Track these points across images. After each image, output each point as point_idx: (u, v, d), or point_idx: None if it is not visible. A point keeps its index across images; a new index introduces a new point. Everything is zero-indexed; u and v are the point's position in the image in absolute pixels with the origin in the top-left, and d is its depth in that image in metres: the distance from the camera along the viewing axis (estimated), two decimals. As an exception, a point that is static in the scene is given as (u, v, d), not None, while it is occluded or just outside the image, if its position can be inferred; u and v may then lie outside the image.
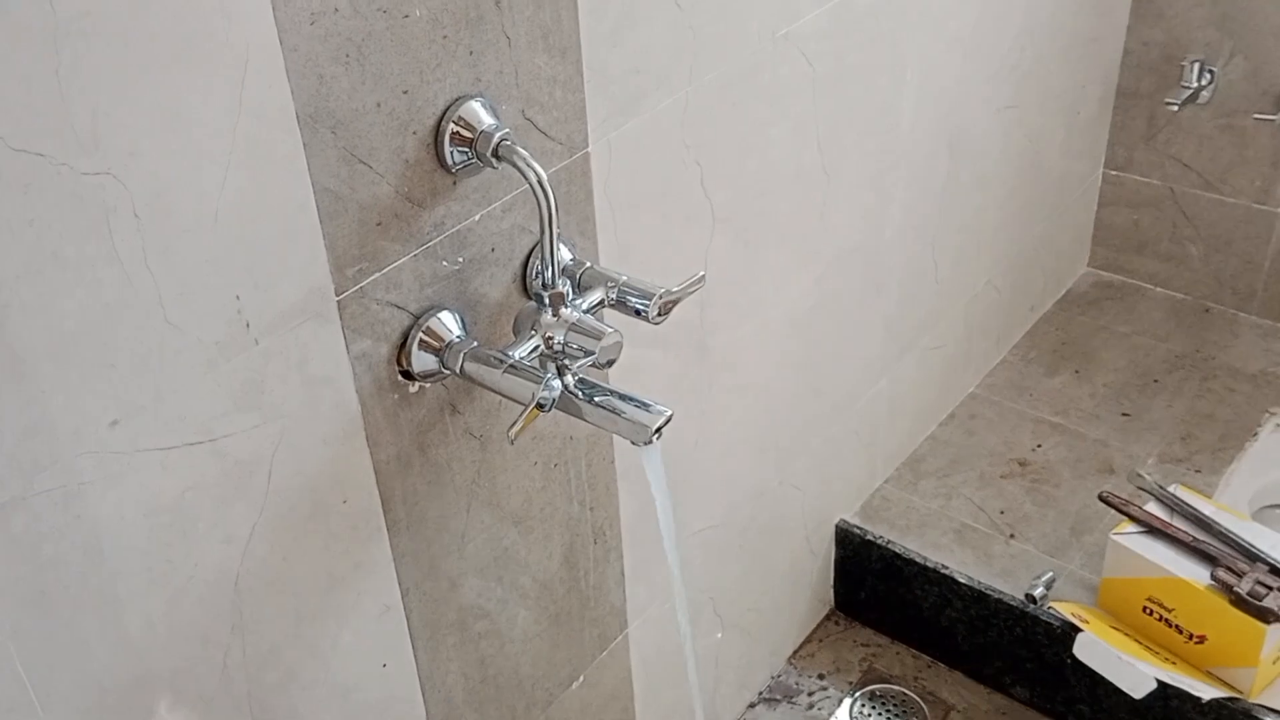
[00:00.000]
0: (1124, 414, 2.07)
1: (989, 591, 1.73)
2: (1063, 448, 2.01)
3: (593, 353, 1.00)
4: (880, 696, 1.81)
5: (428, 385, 1.03)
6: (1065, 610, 1.64)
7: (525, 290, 1.10)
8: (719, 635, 1.66)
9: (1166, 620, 1.58)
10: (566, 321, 1.01)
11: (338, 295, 0.93)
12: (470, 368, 0.99)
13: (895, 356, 1.85)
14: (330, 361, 0.94)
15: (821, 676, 1.84)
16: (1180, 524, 1.62)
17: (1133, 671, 1.54)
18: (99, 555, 0.83)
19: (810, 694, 1.82)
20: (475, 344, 1.01)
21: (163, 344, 0.82)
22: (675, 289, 1.07)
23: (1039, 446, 2.01)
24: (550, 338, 1.01)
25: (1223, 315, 2.30)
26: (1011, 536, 1.84)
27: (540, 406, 0.96)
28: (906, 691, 1.81)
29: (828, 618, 1.94)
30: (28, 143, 0.71)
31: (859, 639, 1.90)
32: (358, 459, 1.00)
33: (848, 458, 1.83)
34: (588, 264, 1.10)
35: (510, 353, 0.99)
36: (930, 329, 1.92)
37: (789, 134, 1.40)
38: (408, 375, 1.01)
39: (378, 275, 0.96)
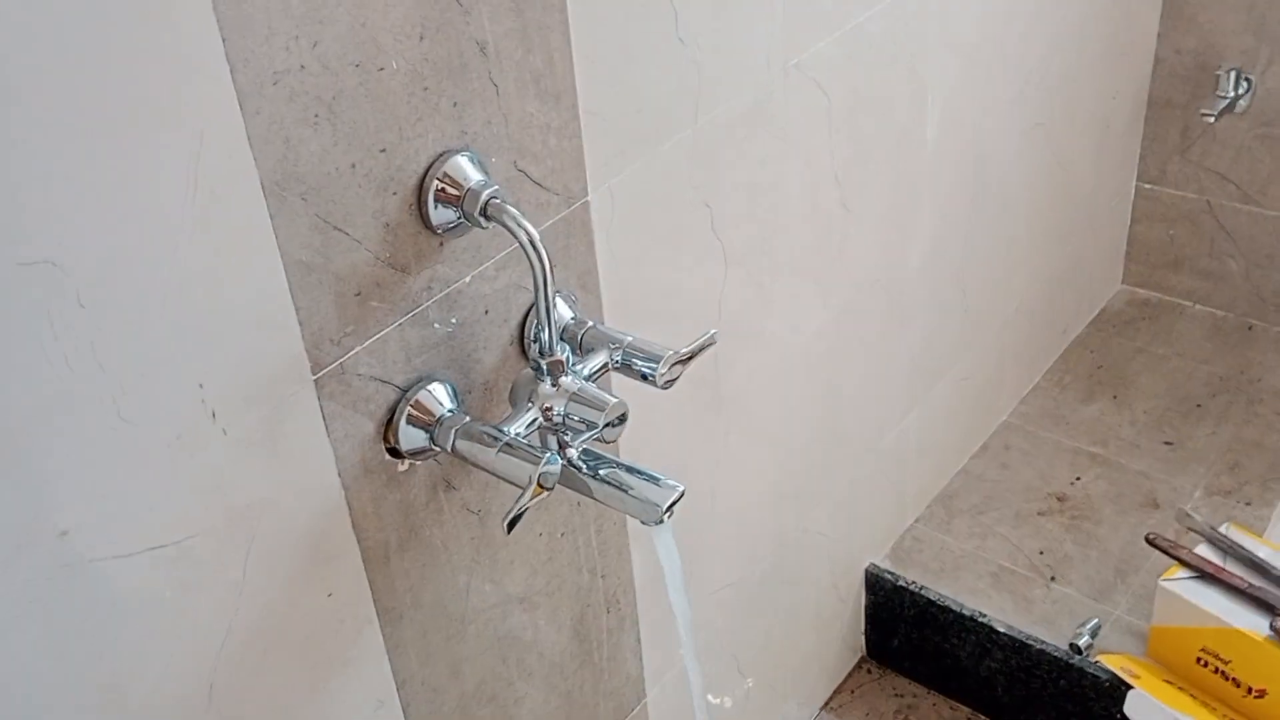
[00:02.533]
0: (1166, 443, 1.97)
1: (1030, 641, 1.63)
2: (1103, 480, 1.91)
3: (595, 425, 0.91)
4: (917, 751, 1.71)
5: (418, 463, 0.95)
6: (1113, 663, 1.54)
7: (524, 350, 1.02)
8: (749, 683, 1.57)
9: (1223, 673, 1.48)
10: (566, 391, 0.93)
11: (314, 374, 0.85)
12: (463, 446, 0.91)
13: (922, 391, 1.75)
14: (309, 446, 0.86)
15: (854, 731, 1.75)
16: (1234, 568, 1.52)
17: (1188, 730, 1.44)
18: (47, 673, 0.75)
19: (843, 750, 1.72)
20: (467, 419, 0.93)
21: (117, 442, 0.74)
22: (684, 350, 0.98)
23: (1078, 479, 1.92)
24: (549, 409, 0.93)
25: (1266, 333, 2.20)
26: (1052, 579, 1.74)
27: (543, 486, 0.88)
28: (945, 745, 1.71)
29: (859, 666, 1.85)
30: (-53, 234, 0.63)
31: (893, 688, 1.81)
32: (343, 548, 0.92)
33: (875, 498, 1.74)
34: (590, 324, 1.02)
35: (506, 429, 0.90)
36: (959, 360, 1.83)
37: (804, 168, 1.32)
38: (396, 453, 0.93)
39: (359, 349, 0.88)
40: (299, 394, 0.84)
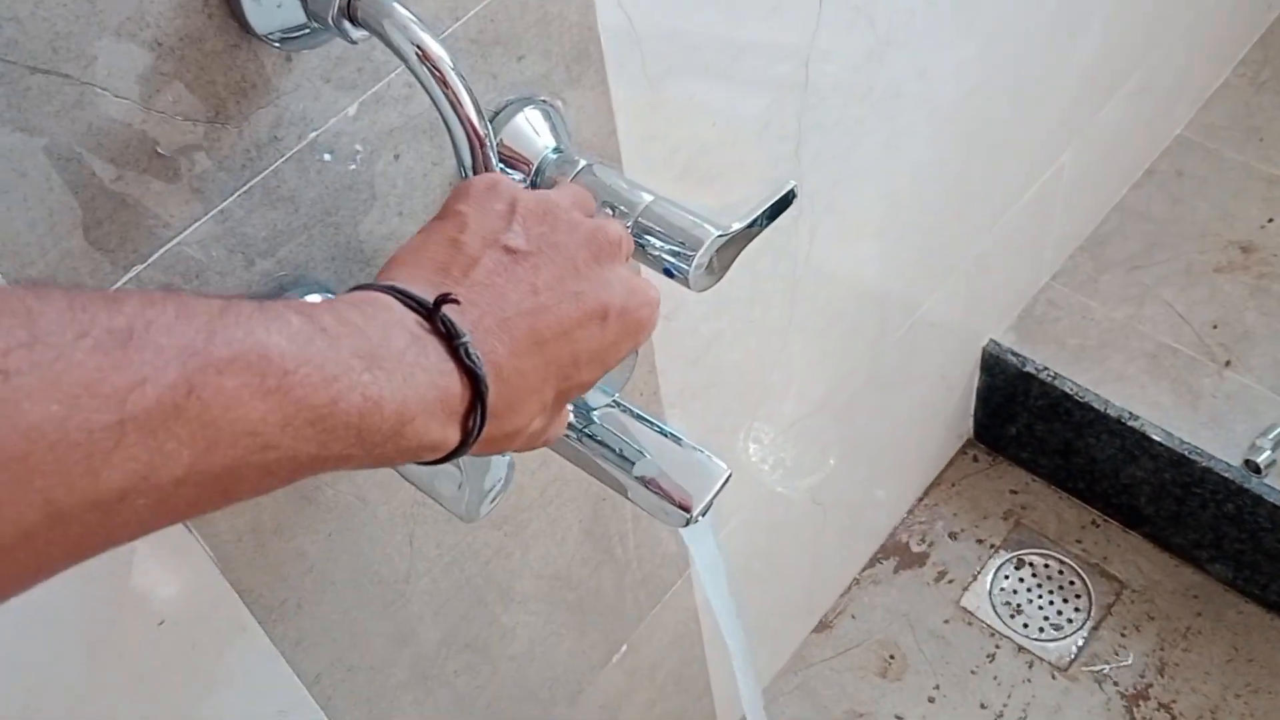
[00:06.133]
0: (1394, 168, 1.50)
1: (1194, 456, 1.27)
2: (1305, 223, 1.47)
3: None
4: (1030, 564, 1.40)
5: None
6: (1308, 504, 1.18)
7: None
8: (831, 462, 1.24)
9: None
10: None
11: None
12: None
13: (1087, 117, 1.29)
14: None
15: (954, 536, 1.44)
16: None
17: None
18: None
19: (939, 559, 1.42)
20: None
21: None
22: (739, 222, 0.57)
23: (1270, 221, 1.47)
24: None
25: None
26: (1227, 364, 1.35)
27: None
28: (1065, 560, 1.40)
29: (964, 451, 1.51)
30: None
31: (1004, 481, 1.48)
32: (178, 559, 0.57)
33: (1005, 262, 1.33)
34: (582, 164, 0.60)
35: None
36: (1138, 66, 1.35)
37: None
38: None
39: (140, 270, 0.48)
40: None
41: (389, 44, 0.46)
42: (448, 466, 0.50)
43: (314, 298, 0.55)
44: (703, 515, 0.56)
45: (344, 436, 0.33)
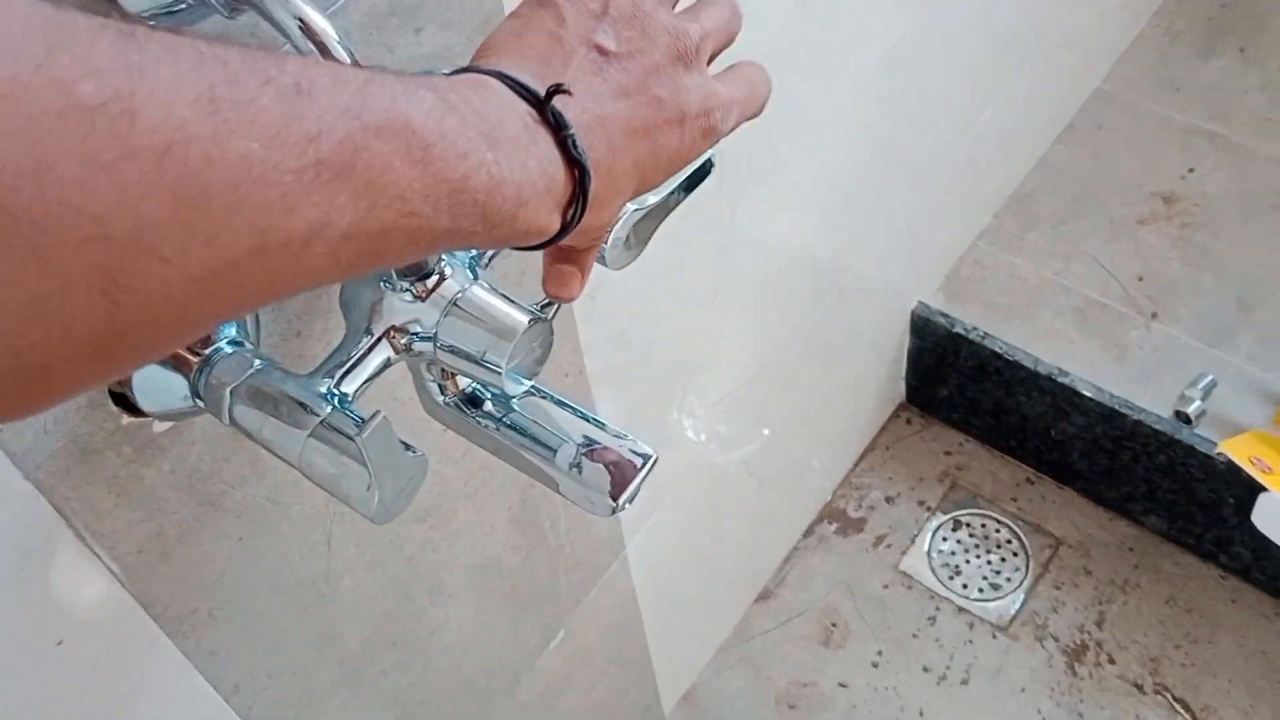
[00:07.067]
0: (1309, 115, 1.52)
1: (1124, 410, 1.27)
2: (1223, 172, 1.47)
3: (494, 367, 0.49)
4: (966, 525, 1.40)
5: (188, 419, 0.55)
6: (1239, 453, 1.19)
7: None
8: (765, 432, 1.22)
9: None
10: (440, 299, 0.50)
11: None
12: (245, 416, 0.50)
13: (1007, 73, 1.28)
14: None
15: (890, 500, 1.43)
16: None
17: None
18: None
19: (877, 524, 1.41)
20: (257, 364, 0.51)
21: None
22: (654, 195, 0.54)
23: (1191, 171, 1.48)
24: (405, 334, 0.51)
25: None
26: (1154, 316, 1.36)
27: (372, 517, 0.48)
28: (1001, 519, 1.40)
29: (897, 414, 1.50)
30: None
31: (939, 443, 1.47)
32: (72, 574, 0.54)
33: (930, 224, 1.32)
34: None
35: (327, 388, 0.49)
36: (1059, 21, 1.34)
37: None
38: (139, 412, 0.52)
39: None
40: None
41: (268, 18, 0.42)
42: (355, 467, 0.47)
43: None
44: (629, 503, 0.53)
45: (471, 213, 0.34)
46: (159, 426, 0.54)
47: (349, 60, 0.44)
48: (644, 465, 0.53)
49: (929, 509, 1.42)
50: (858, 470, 1.46)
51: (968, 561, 1.37)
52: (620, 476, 0.53)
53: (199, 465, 0.57)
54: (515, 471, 0.78)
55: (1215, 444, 1.22)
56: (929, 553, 1.38)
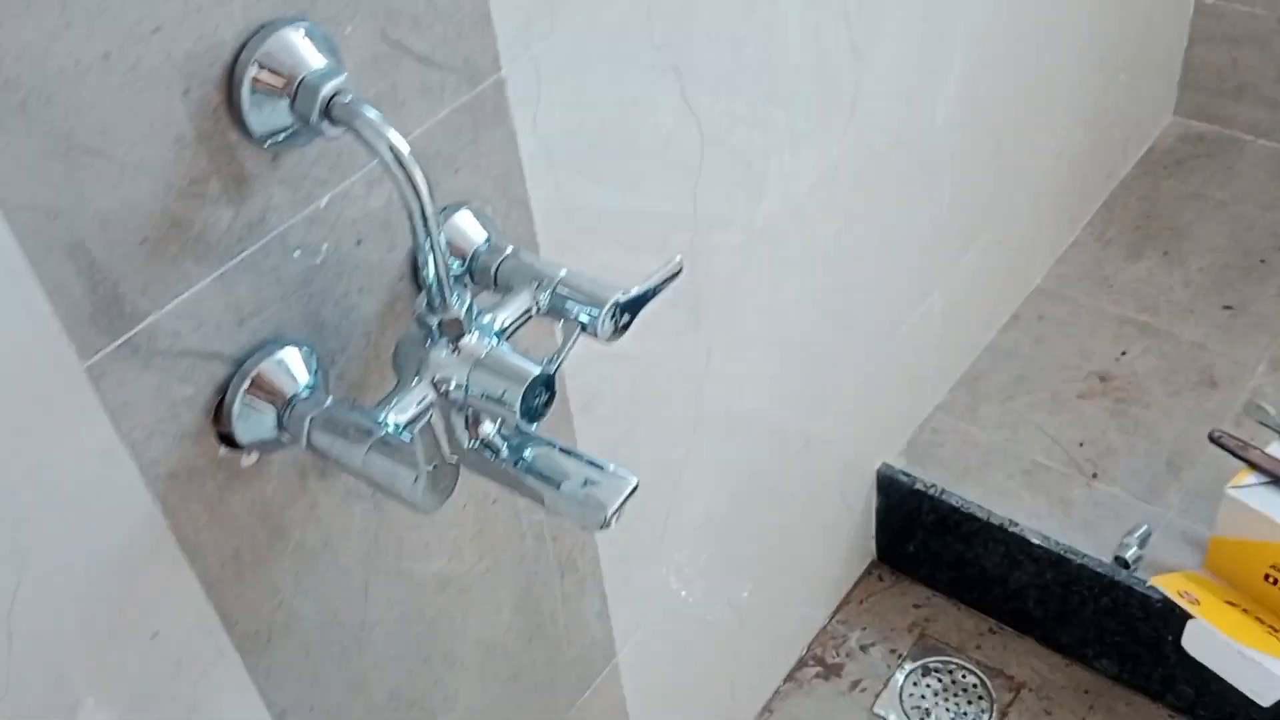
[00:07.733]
0: (1225, 306, 1.71)
1: (1069, 555, 1.41)
2: (1152, 355, 1.65)
3: (509, 406, 0.65)
4: (936, 671, 1.51)
5: (274, 454, 0.70)
6: (1170, 587, 1.32)
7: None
8: (745, 593, 1.35)
9: (1299, 601, 1.26)
10: (470, 356, 0.67)
11: (85, 360, 0.59)
12: (322, 440, 0.66)
13: (948, 263, 1.48)
14: (89, 456, 0.61)
15: (865, 648, 1.55)
16: (1317, 478, 1.28)
17: (1258, 672, 1.23)
18: None
19: (853, 670, 1.52)
20: (330, 400, 0.67)
21: None
22: (637, 288, 0.72)
23: (1123, 354, 1.66)
24: (444, 382, 0.67)
25: (1343, 172, 1.90)
26: (1094, 476, 1.51)
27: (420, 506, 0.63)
28: (967, 666, 1.51)
29: (869, 571, 1.63)
30: None
31: (908, 597, 1.60)
32: (170, 574, 0.68)
33: (889, 392, 1.49)
34: (509, 250, 0.75)
35: (382, 415, 0.65)
36: (991, 222, 1.55)
37: (803, 6, 1.02)
38: (234, 443, 0.68)
39: (155, 316, 0.61)
40: (62, 392, 0.58)
41: (360, 137, 0.61)
42: (404, 470, 0.62)
43: (288, 352, 0.68)
44: (616, 518, 0.68)
45: None
46: (245, 461, 0.69)
47: (419, 172, 0.60)
48: (629, 486, 0.68)
49: (900, 657, 1.53)
50: (834, 621, 1.58)
51: (937, 704, 1.47)
52: (609, 494, 0.68)
53: (272, 500, 0.72)
54: (519, 561, 0.93)
55: (1154, 588, 1.35)
56: (901, 697, 1.49)
